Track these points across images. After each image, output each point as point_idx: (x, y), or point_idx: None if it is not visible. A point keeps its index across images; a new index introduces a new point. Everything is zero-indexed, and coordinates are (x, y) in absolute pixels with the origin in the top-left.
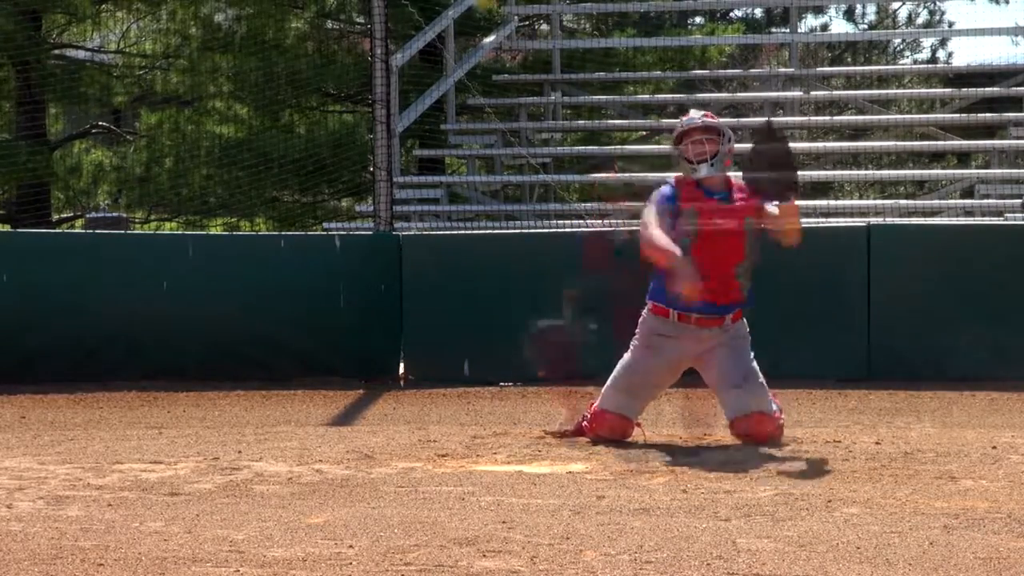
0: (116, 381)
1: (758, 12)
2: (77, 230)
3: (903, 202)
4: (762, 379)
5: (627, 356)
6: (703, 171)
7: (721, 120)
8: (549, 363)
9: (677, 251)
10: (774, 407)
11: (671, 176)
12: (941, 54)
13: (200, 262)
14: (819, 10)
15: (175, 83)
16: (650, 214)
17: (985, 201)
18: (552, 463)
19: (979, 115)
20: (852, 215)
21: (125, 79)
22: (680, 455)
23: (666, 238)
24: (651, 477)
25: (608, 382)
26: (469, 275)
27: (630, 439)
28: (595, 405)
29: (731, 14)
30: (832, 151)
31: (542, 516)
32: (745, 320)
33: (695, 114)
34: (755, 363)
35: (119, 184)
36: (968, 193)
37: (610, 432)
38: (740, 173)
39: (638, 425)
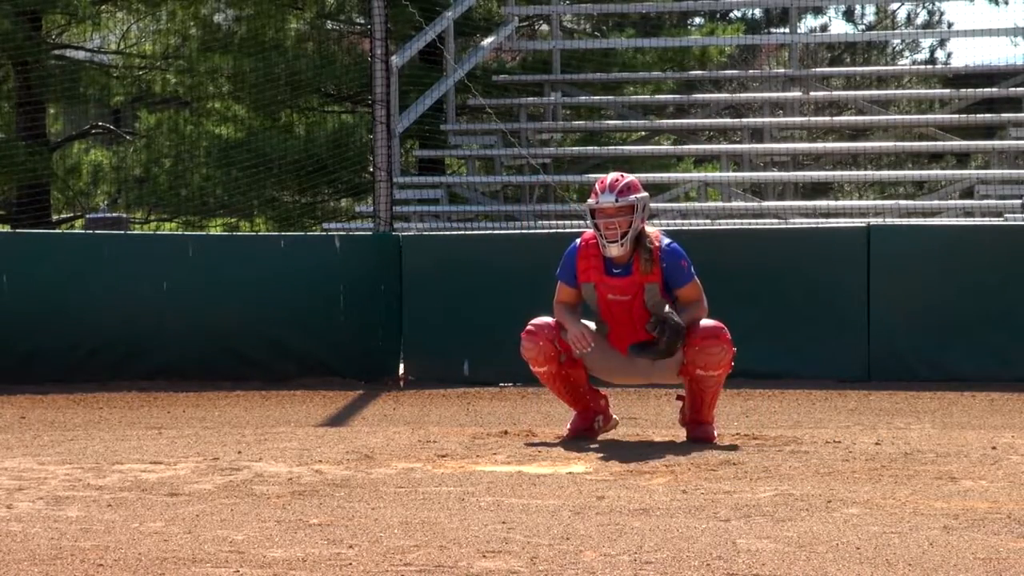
0: (116, 381)
1: (757, 12)
2: (77, 230)
3: (903, 203)
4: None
5: None
6: (613, 251)
7: (636, 195)
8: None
9: (584, 341)
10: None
11: (585, 233)
12: (940, 55)
13: (200, 262)
14: (818, 10)
15: (174, 83)
16: (556, 306)
17: (985, 202)
18: (552, 463)
19: (978, 116)
20: (852, 215)
21: (124, 79)
22: (680, 455)
23: (575, 329)
24: (651, 477)
25: None
26: (469, 275)
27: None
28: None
29: (731, 14)
30: (832, 151)
31: (542, 516)
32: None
33: (606, 196)
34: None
35: (118, 184)
36: (968, 193)
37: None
38: (654, 231)
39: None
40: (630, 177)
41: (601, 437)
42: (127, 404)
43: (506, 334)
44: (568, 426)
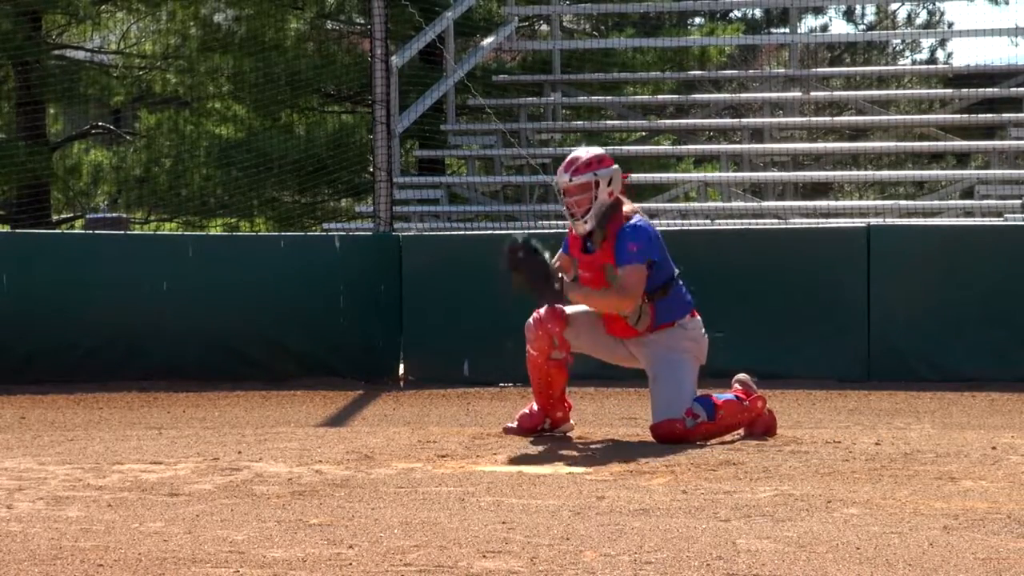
0: (116, 381)
1: (757, 12)
2: (77, 230)
3: (903, 203)
4: (680, 380)
5: None
6: (579, 228)
7: (595, 171)
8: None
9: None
10: (694, 409)
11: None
12: (940, 54)
13: (200, 262)
14: (819, 10)
15: (174, 83)
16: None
17: (985, 202)
18: (552, 463)
19: (978, 116)
20: (852, 215)
21: (124, 79)
22: (680, 455)
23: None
24: (651, 477)
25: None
26: (469, 275)
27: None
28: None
29: (731, 14)
30: (832, 152)
31: (542, 516)
32: (679, 330)
33: (562, 176)
34: (680, 368)
35: (118, 184)
36: (968, 194)
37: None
38: (631, 208)
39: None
40: (592, 152)
41: (600, 437)
42: (127, 404)
43: (506, 334)
44: (517, 418)
